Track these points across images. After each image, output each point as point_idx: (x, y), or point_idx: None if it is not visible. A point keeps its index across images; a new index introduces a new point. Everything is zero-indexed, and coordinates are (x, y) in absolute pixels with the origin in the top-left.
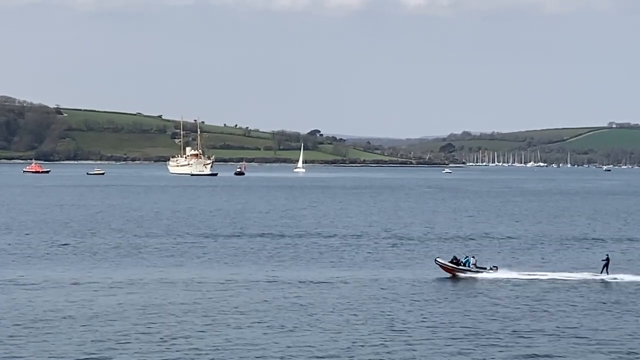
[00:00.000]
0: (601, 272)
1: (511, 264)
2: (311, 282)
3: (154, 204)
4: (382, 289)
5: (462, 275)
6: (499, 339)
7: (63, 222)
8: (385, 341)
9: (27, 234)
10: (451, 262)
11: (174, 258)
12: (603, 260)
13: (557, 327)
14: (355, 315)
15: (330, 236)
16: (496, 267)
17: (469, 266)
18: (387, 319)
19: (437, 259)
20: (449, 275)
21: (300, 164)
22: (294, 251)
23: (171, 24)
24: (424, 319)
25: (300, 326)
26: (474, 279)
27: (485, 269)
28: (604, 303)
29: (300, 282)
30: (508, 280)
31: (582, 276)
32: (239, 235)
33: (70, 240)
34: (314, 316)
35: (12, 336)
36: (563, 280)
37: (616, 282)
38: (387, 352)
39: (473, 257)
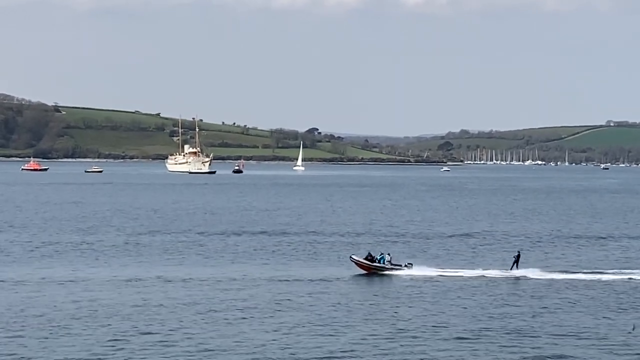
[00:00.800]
0: (511, 268)
1: (440, 260)
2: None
3: (153, 201)
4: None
5: (377, 272)
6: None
7: (62, 220)
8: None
9: (26, 232)
10: (366, 259)
11: (174, 255)
12: (514, 256)
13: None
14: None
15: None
16: (411, 264)
17: (384, 263)
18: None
19: (352, 256)
20: (364, 272)
21: (299, 162)
22: (294, 249)
23: (170, 22)
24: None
25: (301, 324)
26: (389, 276)
27: (400, 266)
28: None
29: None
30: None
31: (494, 273)
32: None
33: (71, 238)
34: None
35: (13, 334)
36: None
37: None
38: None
39: (388, 254)
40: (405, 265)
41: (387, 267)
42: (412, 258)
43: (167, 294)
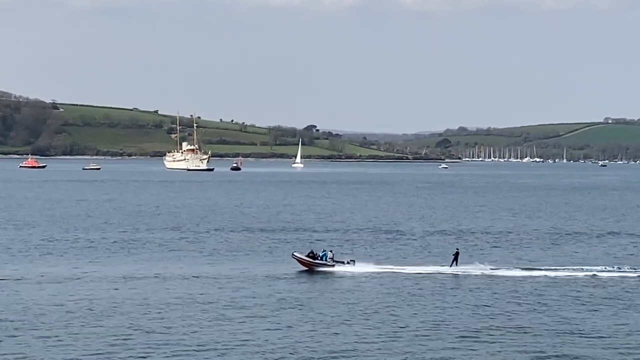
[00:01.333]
0: (450, 265)
1: (385, 257)
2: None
3: (152, 199)
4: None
5: (319, 269)
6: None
7: (61, 217)
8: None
9: (25, 230)
10: (308, 255)
11: (174, 252)
12: (453, 254)
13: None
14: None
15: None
16: (354, 260)
17: (326, 260)
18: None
19: (294, 253)
20: (306, 269)
21: (298, 159)
22: (293, 246)
23: (168, 19)
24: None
25: (301, 320)
26: (331, 272)
27: (342, 262)
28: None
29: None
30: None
31: (434, 269)
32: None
33: (70, 235)
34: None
35: (14, 332)
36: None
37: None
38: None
39: (330, 251)
40: (347, 262)
41: (329, 264)
42: (375, 256)
43: (167, 289)
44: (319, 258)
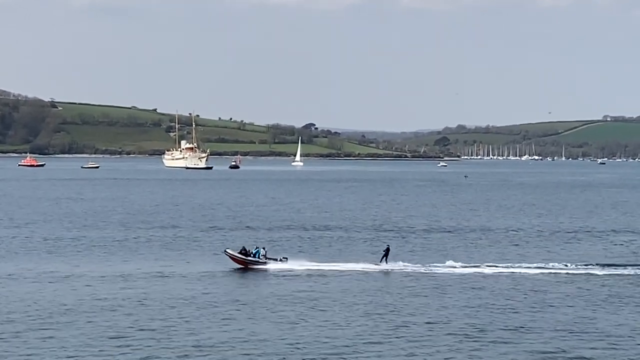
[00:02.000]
0: (380, 262)
1: (320, 254)
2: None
3: (152, 196)
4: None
5: (252, 266)
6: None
7: (62, 215)
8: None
9: (26, 228)
10: (240, 252)
11: (173, 251)
12: (383, 250)
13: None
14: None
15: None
16: (286, 258)
17: (258, 257)
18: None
19: (227, 250)
20: (240, 266)
21: (298, 157)
22: (299, 244)
23: (166, 17)
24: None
25: (305, 318)
26: (264, 270)
27: (275, 259)
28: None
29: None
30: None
31: (363, 266)
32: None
33: (70, 234)
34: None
35: (15, 331)
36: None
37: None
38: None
39: (263, 248)
40: (280, 259)
41: (261, 260)
42: (314, 253)
43: (166, 288)
44: (252, 255)
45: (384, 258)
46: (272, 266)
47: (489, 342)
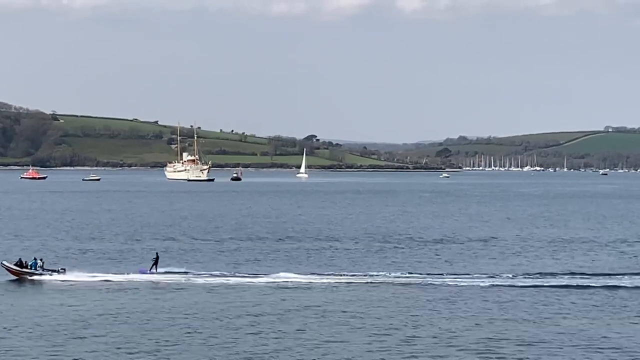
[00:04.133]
0: (150, 270)
1: (98, 265)
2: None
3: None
4: None
5: (29, 277)
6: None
7: (67, 227)
8: None
9: (35, 240)
10: (16, 264)
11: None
12: (152, 258)
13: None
14: None
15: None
16: (64, 269)
17: (35, 268)
18: None
19: (3, 262)
20: (15, 277)
21: (303, 169)
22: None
23: (168, 29)
24: None
25: (310, 327)
26: (40, 281)
27: (55, 271)
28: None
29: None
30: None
31: (134, 276)
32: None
33: (74, 245)
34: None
35: (14, 342)
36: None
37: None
38: None
39: (40, 259)
40: (58, 271)
41: (37, 272)
42: (94, 264)
43: (174, 299)
44: (29, 267)
45: (154, 265)
46: (48, 278)
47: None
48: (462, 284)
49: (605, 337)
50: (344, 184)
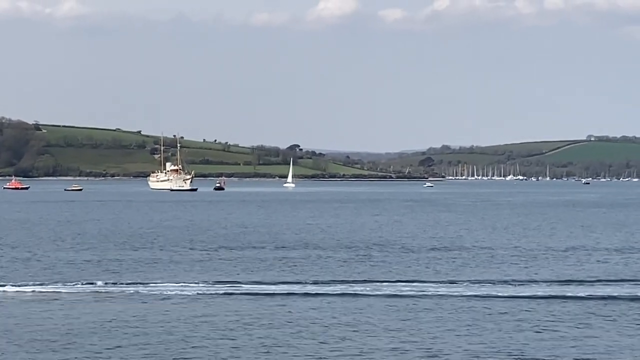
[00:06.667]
0: None
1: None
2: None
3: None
4: None
5: None
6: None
7: (53, 237)
8: None
9: (20, 250)
10: None
11: (168, 272)
12: None
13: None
14: None
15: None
16: None
17: None
18: None
19: None
20: None
21: (289, 178)
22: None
23: (149, 39)
24: None
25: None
26: None
27: None
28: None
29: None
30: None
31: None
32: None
33: (62, 255)
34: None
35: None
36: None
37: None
38: None
39: None
40: None
41: None
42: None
43: (167, 309)
44: None
45: None
46: None
47: None
48: (442, 293)
49: (593, 345)
50: (334, 193)
